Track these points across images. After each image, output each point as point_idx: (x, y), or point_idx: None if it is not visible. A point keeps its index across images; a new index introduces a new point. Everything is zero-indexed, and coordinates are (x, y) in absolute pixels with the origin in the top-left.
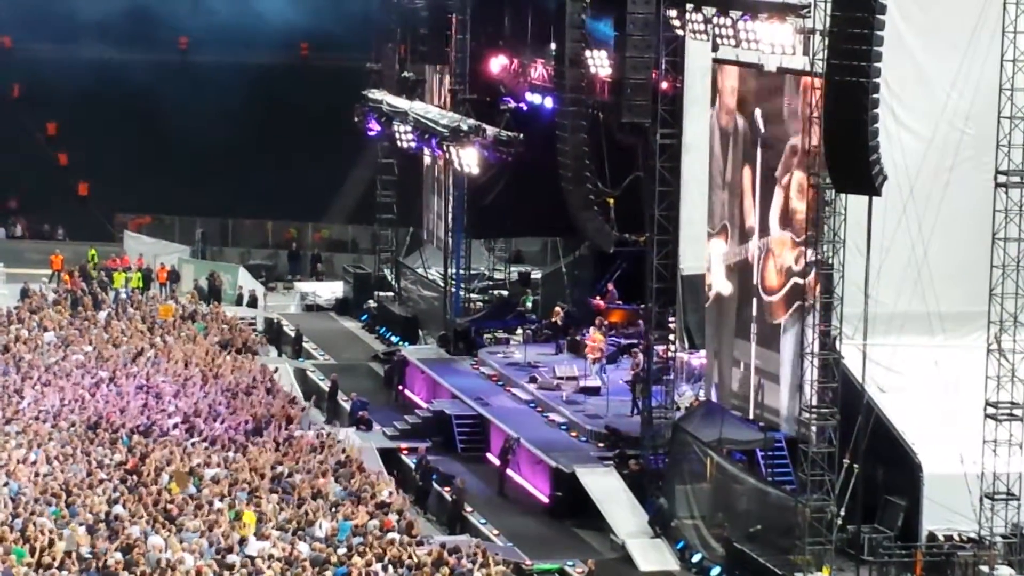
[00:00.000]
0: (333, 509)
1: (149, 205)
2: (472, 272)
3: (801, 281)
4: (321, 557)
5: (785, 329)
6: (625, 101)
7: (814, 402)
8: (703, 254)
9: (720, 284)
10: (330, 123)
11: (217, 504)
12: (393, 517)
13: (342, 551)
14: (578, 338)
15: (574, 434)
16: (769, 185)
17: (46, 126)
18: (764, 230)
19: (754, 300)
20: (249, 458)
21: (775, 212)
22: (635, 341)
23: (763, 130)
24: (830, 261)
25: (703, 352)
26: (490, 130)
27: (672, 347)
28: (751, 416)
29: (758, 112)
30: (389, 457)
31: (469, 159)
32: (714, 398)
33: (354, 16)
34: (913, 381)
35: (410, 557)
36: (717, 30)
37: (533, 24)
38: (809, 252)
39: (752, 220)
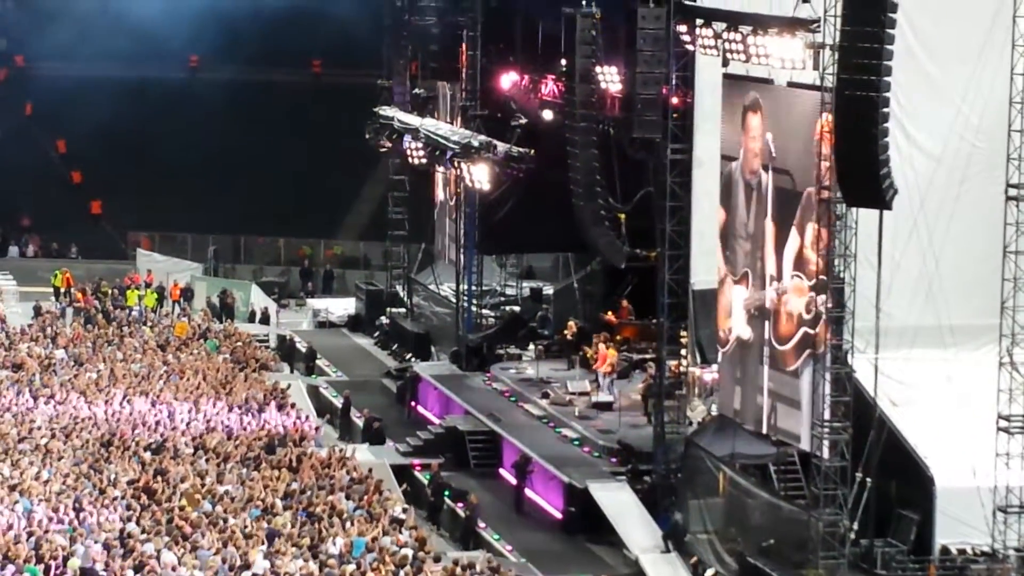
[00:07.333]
0: (346, 526)
1: (162, 223)
2: (484, 288)
3: (812, 331)
4: (334, 574)
5: (800, 372)
6: (636, 116)
7: (827, 416)
8: (714, 268)
9: (740, 328)
10: (342, 140)
11: (231, 521)
12: (406, 534)
13: (353, 567)
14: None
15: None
16: (786, 230)
17: (58, 144)
18: (780, 275)
19: (767, 345)
20: (263, 475)
21: (789, 256)
22: (647, 356)
23: (784, 175)
24: (841, 275)
25: (715, 367)
26: (501, 146)
27: (684, 362)
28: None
29: (777, 152)
30: (402, 473)
31: (480, 175)
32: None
33: (366, 34)
34: (925, 394)
35: (423, 573)
36: (727, 45)
37: (543, 40)
38: (820, 298)
39: (771, 267)
